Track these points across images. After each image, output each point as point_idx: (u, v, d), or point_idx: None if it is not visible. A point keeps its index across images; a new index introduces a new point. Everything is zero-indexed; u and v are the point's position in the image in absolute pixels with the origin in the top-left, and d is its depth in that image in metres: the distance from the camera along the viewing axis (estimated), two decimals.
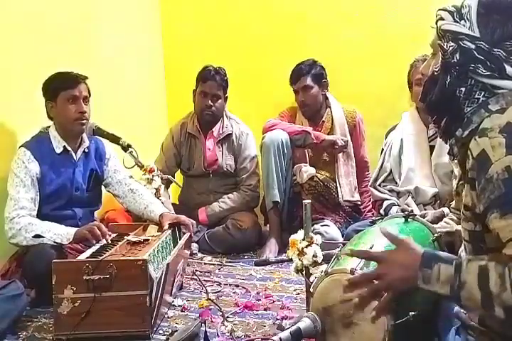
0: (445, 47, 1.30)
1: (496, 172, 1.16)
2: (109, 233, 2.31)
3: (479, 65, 1.26)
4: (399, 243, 1.30)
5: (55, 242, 2.20)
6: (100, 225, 2.26)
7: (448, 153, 1.42)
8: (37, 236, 2.20)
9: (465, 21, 1.28)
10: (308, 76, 3.19)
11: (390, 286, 1.28)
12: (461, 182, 1.52)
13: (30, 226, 2.22)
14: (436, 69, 1.34)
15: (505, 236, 1.15)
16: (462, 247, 1.41)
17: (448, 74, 1.30)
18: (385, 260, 1.28)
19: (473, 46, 1.26)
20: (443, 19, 1.31)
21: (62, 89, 2.38)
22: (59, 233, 2.22)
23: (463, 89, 1.29)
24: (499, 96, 1.27)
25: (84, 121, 2.42)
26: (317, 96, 3.24)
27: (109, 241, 2.23)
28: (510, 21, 1.25)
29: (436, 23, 1.33)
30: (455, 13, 1.30)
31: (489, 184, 1.17)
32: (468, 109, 1.29)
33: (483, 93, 1.28)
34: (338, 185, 3.19)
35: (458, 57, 1.28)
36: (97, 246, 2.20)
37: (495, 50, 1.25)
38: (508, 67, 1.26)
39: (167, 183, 2.98)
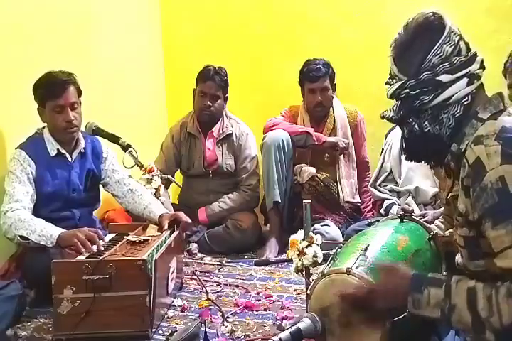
0: (391, 112, 1.41)
1: (490, 181, 1.17)
2: (101, 247, 2.12)
3: (421, 97, 1.33)
4: (385, 269, 1.32)
5: (40, 244, 2.13)
6: (93, 237, 2.10)
7: (442, 167, 1.44)
8: (24, 237, 2.15)
9: (394, 78, 1.40)
10: (326, 77, 3.16)
11: (380, 311, 1.30)
12: (451, 195, 1.53)
13: (20, 224, 2.16)
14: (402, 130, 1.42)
15: (497, 247, 1.16)
16: (458, 255, 1.41)
17: (408, 123, 1.38)
18: (376, 290, 1.29)
19: (407, 90, 1.35)
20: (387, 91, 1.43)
21: (48, 99, 2.33)
22: (44, 235, 2.12)
23: (426, 123, 1.34)
24: (485, 103, 1.32)
25: (73, 129, 2.37)
26: (330, 98, 3.24)
27: (102, 248, 2.10)
28: (417, 48, 1.35)
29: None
30: (388, 80, 1.42)
31: (483, 193, 1.18)
32: (442, 131, 1.34)
33: (441, 112, 1.34)
34: (339, 186, 3.19)
35: (403, 108, 1.37)
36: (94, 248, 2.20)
37: (421, 76, 1.33)
38: (443, 77, 1.32)
39: (167, 183, 2.98)
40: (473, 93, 1.33)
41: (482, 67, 1.35)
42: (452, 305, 1.16)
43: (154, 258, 1.96)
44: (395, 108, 1.40)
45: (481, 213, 1.19)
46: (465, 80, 1.32)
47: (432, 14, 1.36)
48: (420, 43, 1.35)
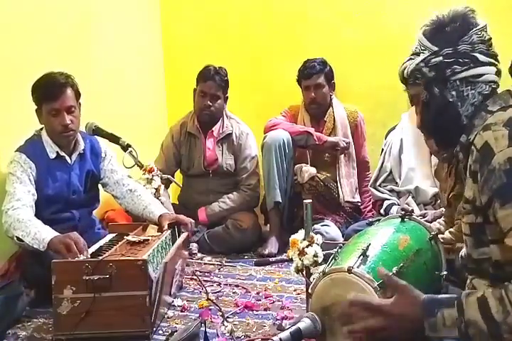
0: (422, 76, 1.38)
1: (498, 163, 1.18)
2: (87, 250, 2.05)
3: (454, 66, 1.35)
4: (397, 288, 1.27)
5: (33, 247, 2.07)
6: (78, 241, 2.02)
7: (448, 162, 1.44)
8: (20, 238, 2.11)
9: (422, 52, 1.39)
10: (321, 74, 3.20)
11: (393, 338, 1.26)
12: (452, 193, 1.52)
13: (18, 224, 2.13)
14: (423, 97, 1.40)
15: (506, 227, 1.17)
16: (463, 250, 1.40)
17: (433, 90, 1.37)
18: (387, 313, 1.24)
19: (440, 58, 1.36)
20: (406, 67, 1.42)
21: (44, 102, 2.31)
22: (36, 238, 2.06)
23: (454, 93, 1.35)
24: (495, 97, 1.34)
25: (69, 133, 2.35)
26: (327, 96, 3.25)
27: (87, 257, 2.01)
28: (456, 27, 1.36)
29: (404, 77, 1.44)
30: (412, 55, 1.42)
31: (492, 174, 1.19)
32: (464, 109, 1.35)
33: (469, 87, 1.35)
34: (339, 185, 3.19)
35: (434, 73, 1.36)
36: (97, 246, 2.20)
37: (459, 47, 1.35)
38: (478, 55, 1.34)
39: (167, 183, 2.98)
40: (497, 84, 1.36)
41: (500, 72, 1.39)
42: (467, 320, 1.15)
43: (164, 261, 1.96)
44: (424, 71, 1.39)
45: (490, 194, 1.20)
46: (494, 69, 1.35)
47: (470, 9, 1.39)
48: (460, 23, 1.36)
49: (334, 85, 3.28)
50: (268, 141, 3.09)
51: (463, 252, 1.42)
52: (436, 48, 1.36)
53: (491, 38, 1.37)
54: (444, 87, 1.36)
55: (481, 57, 1.34)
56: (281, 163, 3.09)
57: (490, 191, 1.20)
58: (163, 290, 1.97)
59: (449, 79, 1.35)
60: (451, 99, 1.35)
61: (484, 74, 1.34)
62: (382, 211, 2.84)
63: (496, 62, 1.36)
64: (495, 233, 1.22)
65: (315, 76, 3.19)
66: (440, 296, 1.24)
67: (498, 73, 1.36)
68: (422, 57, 1.38)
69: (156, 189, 2.72)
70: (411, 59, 1.41)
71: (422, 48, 1.39)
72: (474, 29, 1.35)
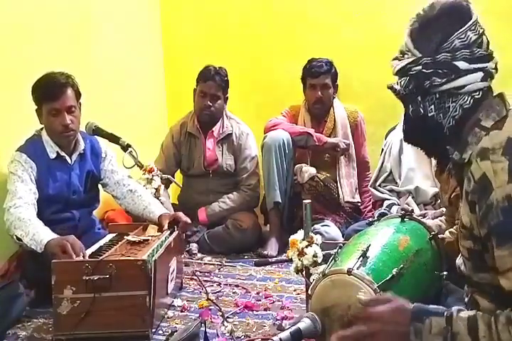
0: (398, 85, 1.33)
1: (496, 199, 1.14)
2: (84, 252, 2.01)
3: (433, 78, 1.27)
4: (385, 301, 1.25)
5: (31, 248, 2.05)
6: (74, 243, 1.99)
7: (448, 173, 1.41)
8: (19, 238, 2.10)
9: (406, 53, 1.32)
10: (328, 75, 3.21)
11: None
12: (454, 194, 1.49)
13: (18, 223, 2.11)
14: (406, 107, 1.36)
15: (500, 267, 1.15)
16: (460, 260, 1.39)
17: (411, 102, 1.32)
18: (376, 318, 1.22)
19: (419, 67, 1.28)
20: (393, 66, 1.36)
21: (45, 101, 2.30)
22: (35, 239, 2.04)
23: (432, 107, 1.30)
24: (488, 109, 1.27)
25: (69, 133, 2.34)
26: (331, 97, 3.26)
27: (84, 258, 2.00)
28: (440, 26, 1.28)
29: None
30: (398, 56, 1.34)
31: (489, 210, 1.15)
32: (446, 121, 1.29)
33: (450, 99, 1.28)
34: (339, 185, 3.19)
35: (411, 85, 1.31)
36: (97, 246, 2.20)
37: (438, 56, 1.27)
38: (460, 64, 1.26)
39: (167, 183, 2.98)
40: (484, 91, 1.28)
41: (496, 68, 1.30)
42: (454, 332, 1.14)
43: (154, 259, 1.96)
44: (402, 83, 1.32)
45: (488, 231, 1.16)
46: (480, 74, 1.26)
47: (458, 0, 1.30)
48: (445, 22, 1.27)
49: (337, 87, 3.28)
50: (268, 141, 3.09)
51: (460, 262, 1.40)
52: (417, 53, 1.29)
53: (480, 36, 1.27)
54: (423, 99, 1.30)
55: (463, 65, 1.25)
56: (281, 163, 3.09)
57: (487, 227, 1.16)
58: (158, 288, 1.96)
59: (429, 92, 1.29)
60: (430, 114, 1.30)
61: (467, 85, 1.26)
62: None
63: (485, 65, 1.27)
64: (494, 262, 1.17)
65: (322, 76, 3.19)
66: (429, 306, 1.23)
67: (487, 76, 1.28)
68: (403, 63, 1.31)
69: (156, 189, 2.72)
70: (397, 59, 1.35)
71: (406, 49, 1.32)
72: (457, 33, 1.25)
